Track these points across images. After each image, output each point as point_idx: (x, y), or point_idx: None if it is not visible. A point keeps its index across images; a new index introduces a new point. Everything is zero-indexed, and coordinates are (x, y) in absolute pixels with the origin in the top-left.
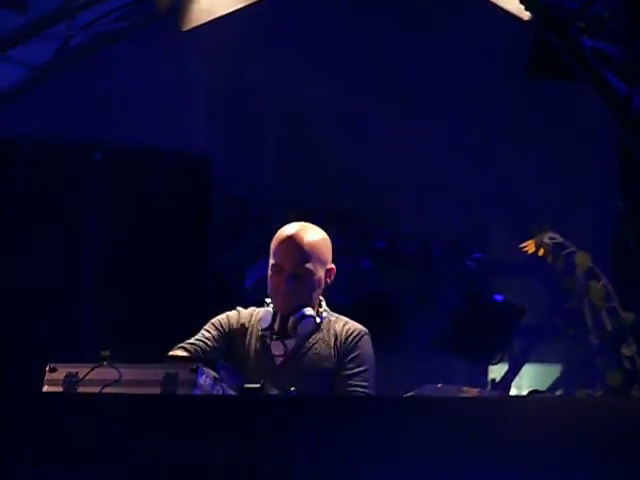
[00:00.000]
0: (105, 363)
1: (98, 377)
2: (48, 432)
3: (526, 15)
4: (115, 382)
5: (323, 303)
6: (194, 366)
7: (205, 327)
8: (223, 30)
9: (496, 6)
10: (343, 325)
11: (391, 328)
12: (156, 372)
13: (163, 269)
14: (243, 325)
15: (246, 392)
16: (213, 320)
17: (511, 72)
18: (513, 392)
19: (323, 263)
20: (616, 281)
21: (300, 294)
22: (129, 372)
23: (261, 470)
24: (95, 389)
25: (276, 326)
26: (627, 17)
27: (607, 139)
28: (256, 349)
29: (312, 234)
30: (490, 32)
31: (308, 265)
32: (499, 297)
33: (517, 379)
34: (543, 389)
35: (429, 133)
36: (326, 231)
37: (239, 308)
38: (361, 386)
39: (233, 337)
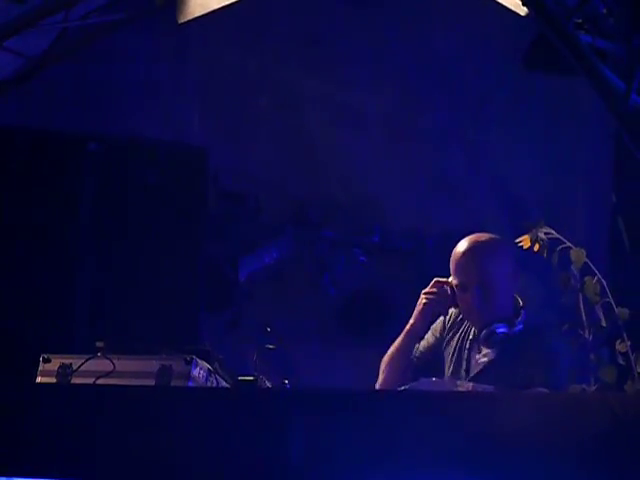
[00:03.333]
0: (99, 354)
1: (92, 368)
2: (42, 423)
3: (523, 11)
4: (109, 373)
5: (523, 312)
6: (188, 357)
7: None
8: (218, 22)
9: (493, 1)
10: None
11: (384, 322)
12: (150, 364)
13: (158, 260)
14: (452, 326)
15: (240, 384)
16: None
17: (508, 67)
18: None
19: (504, 266)
20: (611, 277)
21: (489, 307)
22: (123, 364)
23: (255, 462)
24: (89, 380)
25: (471, 336)
26: (625, 14)
27: (603, 135)
28: (453, 357)
29: (484, 241)
30: (488, 26)
31: (489, 274)
32: None
33: None
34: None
35: (425, 127)
36: (321, 225)
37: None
38: None
39: (442, 341)
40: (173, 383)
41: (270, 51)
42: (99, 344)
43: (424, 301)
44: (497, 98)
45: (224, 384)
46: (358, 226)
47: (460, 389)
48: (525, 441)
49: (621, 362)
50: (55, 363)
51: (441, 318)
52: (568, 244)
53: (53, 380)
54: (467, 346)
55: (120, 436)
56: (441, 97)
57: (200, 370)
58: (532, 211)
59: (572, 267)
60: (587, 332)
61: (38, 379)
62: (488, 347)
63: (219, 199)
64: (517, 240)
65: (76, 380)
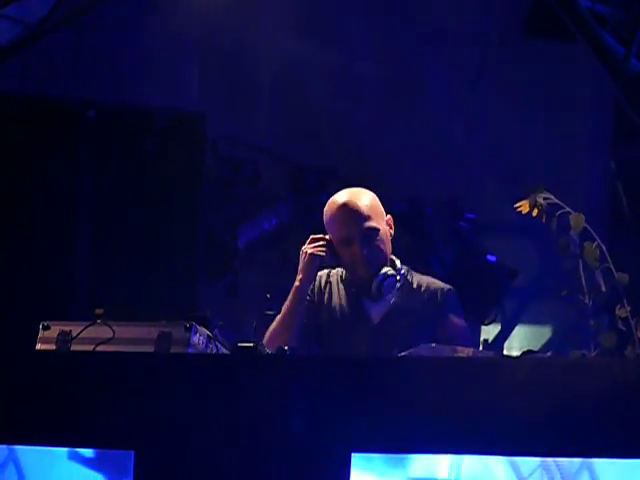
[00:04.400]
0: (99, 321)
1: (91, 335)
2: (41, 390)
3: None
4: (108, 340)
5: (395, 258)
6: (188, 324)
7: None
8: None
9: None
10: (430, 282)
11: None
12: (150, 330)
13: (157, 227)
14: (324, 287)
15: (240, 350)
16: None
17: (507, 32)
18: (506, 353)
19: (382, 216)
20: (610, 242)
21: (376, 255)
22: (123, 330)
23: (256, 428)
24: (88, 347)
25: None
26: None
27: (602, 101)
28: (347, 311)
29: (358, 194)
30: None
31: (372, 223)
32: (492, 258)
33: (510, 340)
34: (536, 349)
35: (423, 93)
36: (320, 191)
37: (319, 273)
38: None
39: (321, 300)
40: (173, 350)
41: (270, 18)
42: (98, 311)
43: (310, 252)
44: (496, 65)
45: (224, 351)
46: None
47: (460, 355)
48: (525, 406)
49: (621, 327)
50: (54, 330)
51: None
52: (567, 209)
53: (52, 347)
54: (355, 299)
55: (119, 403)
56: (441, 64)
57: (200, 337)
58: (531, 177)
59: (571, 232)
60: (587, 298)
61: (38, 346)
62: (383, 294)
63: (217, 166)
64: (516, 205)
65: (75, 347)
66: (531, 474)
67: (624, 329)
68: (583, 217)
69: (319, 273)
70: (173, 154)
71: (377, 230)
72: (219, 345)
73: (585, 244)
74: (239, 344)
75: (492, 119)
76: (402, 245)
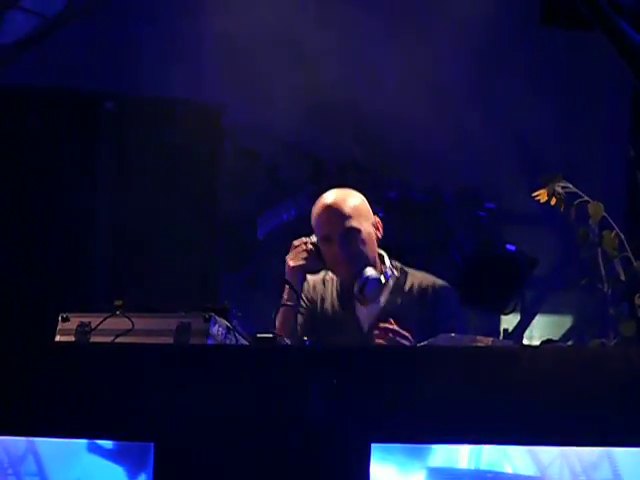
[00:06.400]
0: (118, 313)
1: (111, 327)
2: (61, 382)
3: None
4: (128, 332)
5: (386, 259)
6: (207, 315)
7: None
8: None
9: None
10: (423, 280)
11: None
12: (169, 322)
13: (176, 218)
14: (318, 292)
15: (259, 341)
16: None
17: (524, 20)
18: (525, 342)
19: (367, 217)
20: (629, 231)
21: (356, 255)
22: (142, 322)
23: (275, 420)
24: (108, 339)
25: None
26: None
27: (620, 89)
28: (339, 316)
29: (344, 195)
30: None
31: (353, 223)
32: (511, 247)
33: (529, 329)
34: (556, 339)
35: (442, 81)
36: (340, 182)
37: (308, 277)
38: None
39: (314, 306)
40: (192, 341)
41: (289, 8)
42: (117, 302)
43: (292, 264)
44: (514, 52)
45: (243, 342)
46: (377, 182)
47: (480, 344)
48: (545, 396)
49: None
50: (74, 322)
51: (305, 287)
52: (586, 198)
53: (72, 339)
54: (347, 304)
55: (139, 394)
56: (459, 52)
57: (219, 327)
58: (550, 165)
59: (590, 221)
60: (606, 286)
61: (57, 338)
62: (367, 297)
63: (236, 157)
64: (534, 194)
65: (95, 339)
66: (551, 463)
67: None
68: (602, 206)
69: (313, 278)
70: (192, 145)
71: (358, 230)
72: (238, 336)
73: (604, 233)
74: (258, 335)
75: (510, 108)
76: (423, 235)
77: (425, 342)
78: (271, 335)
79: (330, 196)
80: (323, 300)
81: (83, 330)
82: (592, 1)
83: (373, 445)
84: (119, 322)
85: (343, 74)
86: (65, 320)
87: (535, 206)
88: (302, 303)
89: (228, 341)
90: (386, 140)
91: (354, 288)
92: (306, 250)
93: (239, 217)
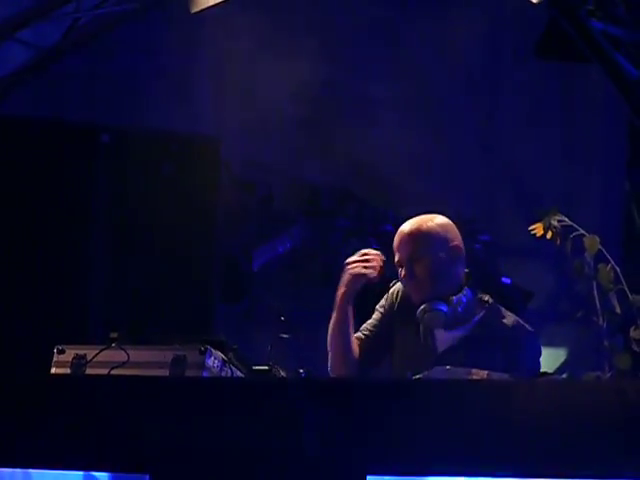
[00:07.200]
0: (113, 345)
1: (106, 359)
2: (56, 413)
3: None
4: (123, 364)
5: (465, 290)
6: (203, 347)
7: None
8: (231, 12)
9: None
10: (513, 322)
11: None
12: (164, 354)
13: (172, 250)
14: (398, 303)
15: (255, 374)
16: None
17: (520, 54)
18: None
19: (441, 244)
20: (625, 264)
21: (418, 284)
22: (137, 354)
23: (270, 452)
24: (103, 371)
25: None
26: (636, 1)
27: (616, 122)
28: (416, 333)
29: (420, 221)
30: (500, 13)
31: (421, 250)
32: (506, 280)
33: None
34: (551, 372)
35: (439, 114)
36: (335, 213)
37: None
38: None
39: (393, 316)
40: (187, 373)
41: (284, 39)
42: (113, 335)
43: (362, 272)
44: (510, 86)
45: (239, 374)
46: (372, 215)
47: (475, 377)
48: (540, 429)
49: (635, 349)
50: (69, 354)
51: (386, 295)
52: (581, 231)
53: (67, 371)
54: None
55: (134, 426)
56: (456, 85)
57: (214, 360)
58: (545, 199)
59: (586, 254)
60: (601, 319)
61: (52, 370)
62: (428, 325)
63: (231, 188)
64: (530, 228)
65: (90, 371)
66: None
67: (639, 350)
68: (597, 239)
69: (395, 287)
70: (187, 178)
71: (424, 258)
72: (234, 368)
73: (599, 266)
74: (254, 367)
75: (507, 140)
76: None
77: (420, 375)
78: (266, 367)
79: (408, 222)
80: (407, 314)
81: (79, 362)
82: (589, 35)
83: (369, 477)
84: (115, 354)
85: (338, 105)
86: (61, 352)
87: (530, 239)
88: (382, 307)
89: (224, 373)
90: (382, 171)
91: (417, 313)
92: (371, 260)
93: (235, 249)
